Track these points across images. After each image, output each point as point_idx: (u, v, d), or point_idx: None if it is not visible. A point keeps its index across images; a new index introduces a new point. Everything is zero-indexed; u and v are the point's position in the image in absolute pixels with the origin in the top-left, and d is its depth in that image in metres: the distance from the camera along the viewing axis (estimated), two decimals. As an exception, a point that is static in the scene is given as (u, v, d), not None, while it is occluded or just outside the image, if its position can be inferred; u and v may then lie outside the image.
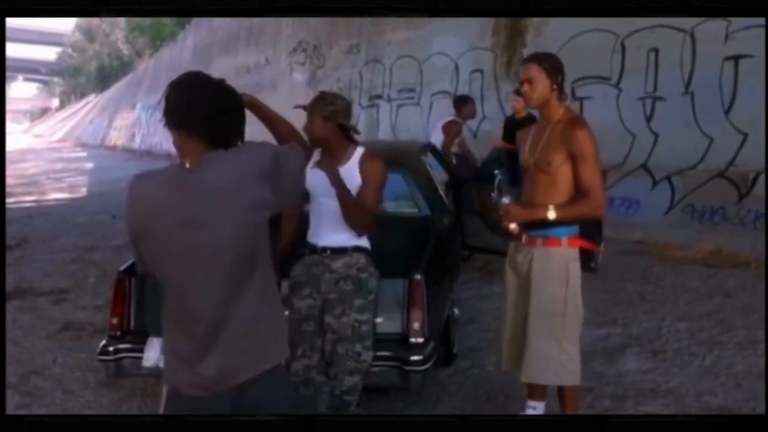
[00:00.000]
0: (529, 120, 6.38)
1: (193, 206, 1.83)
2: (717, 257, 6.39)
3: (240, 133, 1.97)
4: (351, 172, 3.20)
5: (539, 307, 2.95)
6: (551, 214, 2.85)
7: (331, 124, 3.18)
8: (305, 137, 3.13)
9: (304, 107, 3.26)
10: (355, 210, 3.14)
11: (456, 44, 10.94)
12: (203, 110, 1.88)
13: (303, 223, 3.43)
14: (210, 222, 1.84)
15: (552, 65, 2.91)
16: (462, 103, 7.50)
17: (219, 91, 1.94)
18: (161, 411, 2.09)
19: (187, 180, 1.85)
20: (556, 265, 2.94)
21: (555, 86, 2.91)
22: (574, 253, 2.97)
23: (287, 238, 3.45)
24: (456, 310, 4.37)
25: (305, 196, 3.41)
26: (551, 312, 2.93)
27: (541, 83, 2.89)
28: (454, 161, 6.78)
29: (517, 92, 7.05)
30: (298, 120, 3.28)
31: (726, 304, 5.13)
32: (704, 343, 4.38)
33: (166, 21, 30.46)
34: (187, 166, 1.88)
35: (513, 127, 6.39)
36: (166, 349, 2.01)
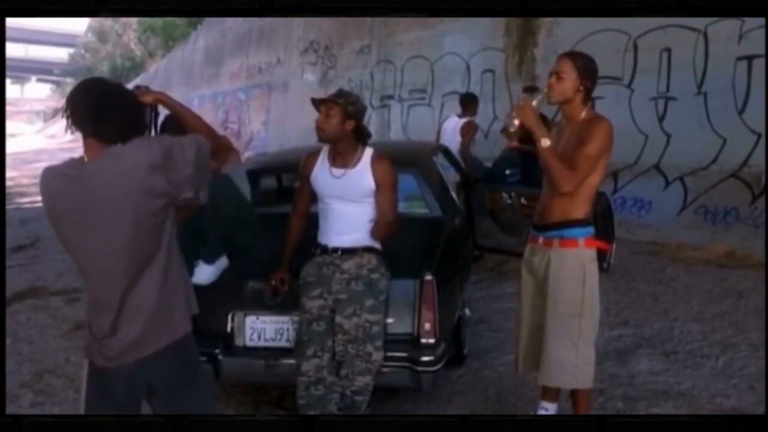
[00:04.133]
0: (542, 120, 6.36)
1: (85, 198, 2.04)
2: (730, 258, 6.36)
3: (134, 128, 2.15)
4: (363, 174, 3.21)
5: (557, 309, 2.94)
6: (545, 142, 2.81)
7: (351, 122, 3.18)
8: (319, 133, 3.17)
9: (322, 100, 3.24)
10: (387, 226, 3.22)
11: (467, 44, 10.92)
12: (91, 115, 2.06)
13: (312, 221, 3.44)
14: (101, 212, 2.03)
15: (584, 67, 2.89)
16: (471, 101, 7.51)
17: (106, 96, 2.10)
18: (84, 380, 2.33)
19: (81, 173, 2.05)
20: (573, 265, 2.93)
21: (581, 88, 2.88)
22: (590, 253, 2.95)
23: (295, 236, 3.46)
24: (467, 311, 4.37)
25: (313, 197, 3.42)
26: (568, 313, 2.91)
27: (569, 80, 2.87)
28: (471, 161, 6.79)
29: (526, 90, 7.04)
30: (309, 116, 3.30)
31: (739, 306, 5.09)
32: (717, 345, 4.35)
33: (178, 22, 30.49)
34: (85, 160, 2.08)
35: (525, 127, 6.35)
36: (87, 325, 2.23)
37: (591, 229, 2.95)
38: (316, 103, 3.25)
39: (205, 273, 3.52)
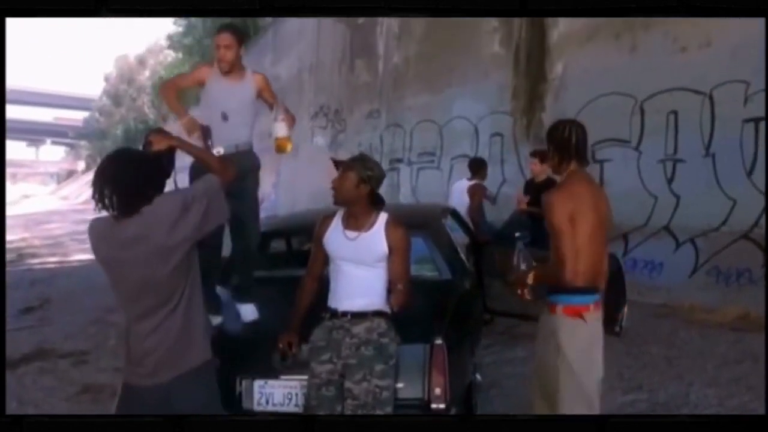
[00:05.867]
0: (549, 183, 6.41)
1: (120, 251, 2.40)
2: (744, 321, 6.27)
3: (156, 188, 2.46)
4: (376, 238, 3.22)
5: (536, 369, 3.00)
6: (530, 279, 2.95)
7: (365, 188, 3.21)
8: (334, 194, 3.25)
9: (339, 163, 3.31)
10: (401, 294, 3.17)
11: (475, 108, 11.07)
12: (115, 189, 2.37)
13: (323, 284, 3.43)
14: (136, 262, 2.39)
15: (550, 141, 3.03)
16: (480, 165, 7.59)
17: (127, 168, 2.42)
18: (117, 397, 2.69)
19: (114, 230, 2.42)
20: (548, 331, 2.93)
21: (556, 159, 2.99)
22: (568, 321, 2.87)
23: (307, 299, 3.44)
24: (478, 376, 4.31)
25: (326, 260, 3.42)
26: (546, 378, 2.94)
27: (545, 162, 3.00)
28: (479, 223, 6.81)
29: (533, 154, 7.12)
30: (318, 179, 3.34)
31: (756, 369, 4.99)
32: (735, 411, 4.25)
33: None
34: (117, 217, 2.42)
35: (533, 190, 6.41)
36: (124, 351, 2.61)
37: (575, 298, 2.88)
38: (337, 164, 3.32)
39: (249, 311, 3.94)
